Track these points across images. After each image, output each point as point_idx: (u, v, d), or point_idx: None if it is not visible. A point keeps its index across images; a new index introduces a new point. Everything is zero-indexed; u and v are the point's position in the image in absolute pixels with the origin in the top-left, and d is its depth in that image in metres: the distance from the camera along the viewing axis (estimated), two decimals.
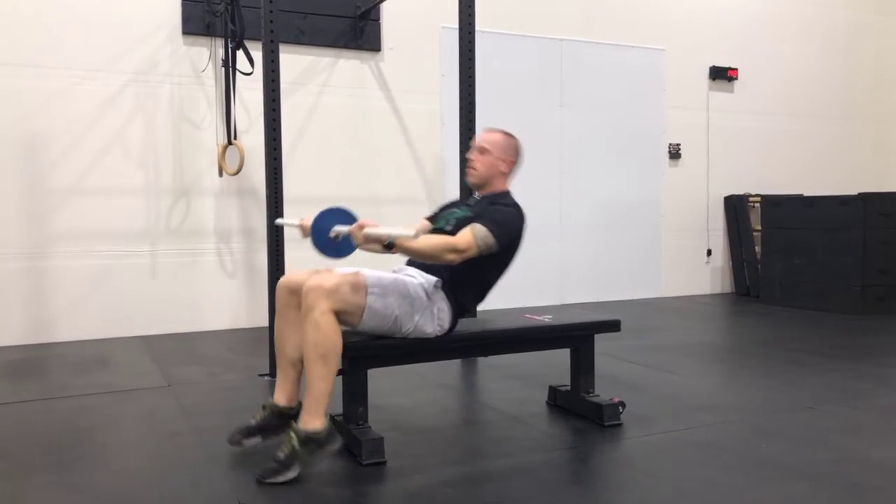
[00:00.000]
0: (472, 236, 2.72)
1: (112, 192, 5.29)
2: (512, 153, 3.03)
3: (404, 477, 2.56)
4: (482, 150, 2.99)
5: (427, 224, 3.11)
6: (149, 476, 2.60)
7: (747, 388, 3.77)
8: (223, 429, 3.06)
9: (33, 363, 4.49)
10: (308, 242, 2.66)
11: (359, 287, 2.61)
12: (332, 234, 2.61)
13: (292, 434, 2.52)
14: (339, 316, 2.60)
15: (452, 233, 2.83)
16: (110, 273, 5.31)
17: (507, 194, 3.02)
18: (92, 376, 4.11)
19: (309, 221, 2.73)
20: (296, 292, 2.77)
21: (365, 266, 2.78)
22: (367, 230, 2.49)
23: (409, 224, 2.94)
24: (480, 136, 3.05)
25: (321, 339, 2.50)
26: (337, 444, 2.56)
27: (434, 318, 2.78)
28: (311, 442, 2.51)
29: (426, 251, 2.65)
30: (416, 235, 2.45)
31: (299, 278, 2.75)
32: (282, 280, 2.86)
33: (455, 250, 2.68)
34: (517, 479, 2.54)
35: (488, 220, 2.78)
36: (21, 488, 2.49)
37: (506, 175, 3.03)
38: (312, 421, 2.52)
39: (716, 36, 7.50)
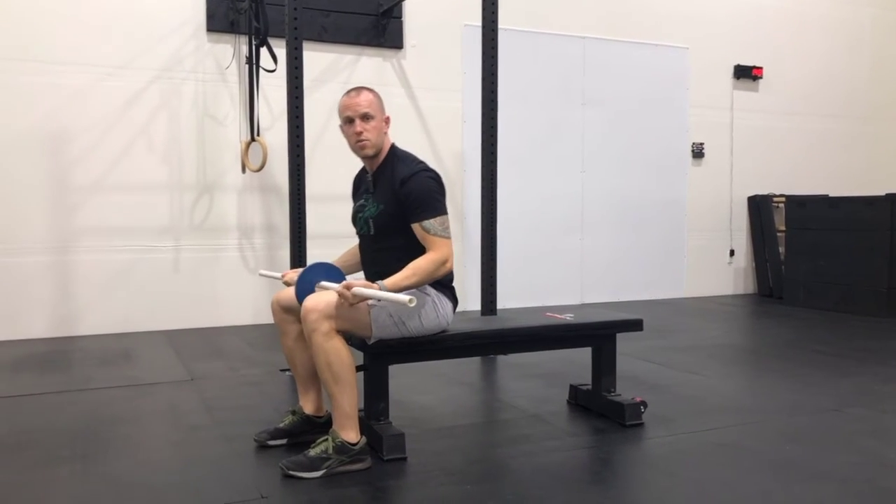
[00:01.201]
0: (436, 237, 2.66)
1: (136, 188, 5.34)
2: (384, 107, 2.81)
3: (425, 473, 2.56)
4: (366, 117, 2.73)
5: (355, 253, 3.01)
6: (172, 468, 2.63)
7: (771, 390, 3.73)
8: (245, 423, 3.10)
9: (58, 356, 4.55)
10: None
11: (359, 304, 2.57)
12: (317, 291, 2.62)
13: (329, 437, 2.55)
14: (349, 333, 2.62)
15: (377, 236, 2.78)
16: (134, 268, 5.36)
17: (396, 153, 2.82)
18: (116, 369, 4.16)
19: (291, 275, 2.79)
20: (289, 309, 2.80)
21: None
22: (357, 290, 2.44)
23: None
24: (353, 102, 2.73)
25: (331, 360, 2.51)
26: (367, 464, 2.58)
27: (436, 308, 2.76)
28: (344, 451, 2.53)
29: (422, 283, 2.63)
30: (411, 301, 2.31)
31: (290, 295, 2.76)
32: (273, 299, 2.88)
33: (441, 262, 2.64)
34: (537, 477, 2.53)
35: (423, 209, 2.66)
36: (48, 477, 2.52)
37: (387, 132, 2.83)
38: (347, 433, 2.55)
39: (740, 34, 7.43)
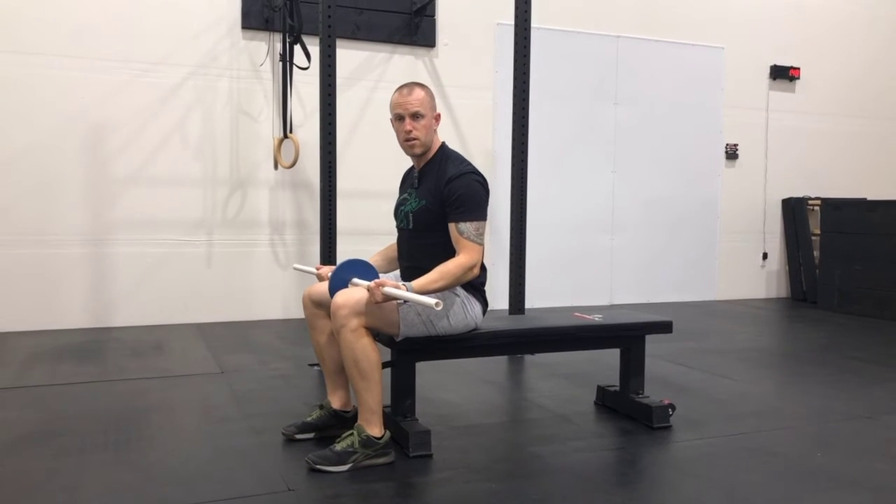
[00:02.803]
0: (469, 242, 2.66)
1: (171, 182, 5.43)
2: (435, 104, 2.82)
3: (450, 470, 2.57)
4: (417, 116, 2.73)
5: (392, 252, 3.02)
6: (201, 458, 2.67)
7: (803, 396, 3.67)
8: (273, 416, 3.14)
9: (93, 346, 4.64)
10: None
11: (388, 303, 2.58)
12: (350, 287, 2.63)
13: (354, 432, 2.57)
14: (377, 330, 2.64)
15: (415, 231, 2.80)
16: (167, 261, 5.45)
17: (446, 152, 2.83)
18: (149, 361, 4.23)
19: (325, 270, 2.84)
20: (320, 304, 2.83)
21: None
22: (387, 290, 2.46)
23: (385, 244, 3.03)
24: (405, 101, 2.74)
25: (357, 355, 2.53)
26: (391, 458, 2.60)
27: (465, 309, 2.77)
28: (370, 445, 2.55)
29: (449, 287, 2.63)
30: (438, 305, 2.31)
31: (321, 290, 2.79)
32: (305, 293, 2.90)
33: (469, 268, 2.64)
34: (563, 477, 2.52)
35: (463, 211, 2.66)
36: (82, 464, 2.58)
37: (436, 130, 2.84)
38: (372, 428, 2.58)
39: (778, 34, 7.31)
